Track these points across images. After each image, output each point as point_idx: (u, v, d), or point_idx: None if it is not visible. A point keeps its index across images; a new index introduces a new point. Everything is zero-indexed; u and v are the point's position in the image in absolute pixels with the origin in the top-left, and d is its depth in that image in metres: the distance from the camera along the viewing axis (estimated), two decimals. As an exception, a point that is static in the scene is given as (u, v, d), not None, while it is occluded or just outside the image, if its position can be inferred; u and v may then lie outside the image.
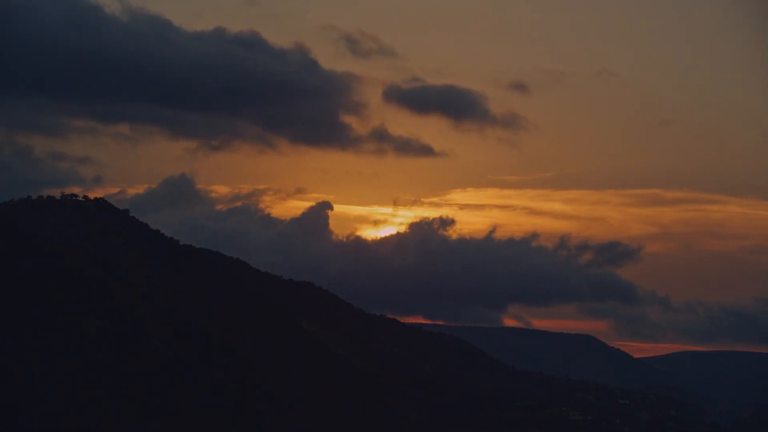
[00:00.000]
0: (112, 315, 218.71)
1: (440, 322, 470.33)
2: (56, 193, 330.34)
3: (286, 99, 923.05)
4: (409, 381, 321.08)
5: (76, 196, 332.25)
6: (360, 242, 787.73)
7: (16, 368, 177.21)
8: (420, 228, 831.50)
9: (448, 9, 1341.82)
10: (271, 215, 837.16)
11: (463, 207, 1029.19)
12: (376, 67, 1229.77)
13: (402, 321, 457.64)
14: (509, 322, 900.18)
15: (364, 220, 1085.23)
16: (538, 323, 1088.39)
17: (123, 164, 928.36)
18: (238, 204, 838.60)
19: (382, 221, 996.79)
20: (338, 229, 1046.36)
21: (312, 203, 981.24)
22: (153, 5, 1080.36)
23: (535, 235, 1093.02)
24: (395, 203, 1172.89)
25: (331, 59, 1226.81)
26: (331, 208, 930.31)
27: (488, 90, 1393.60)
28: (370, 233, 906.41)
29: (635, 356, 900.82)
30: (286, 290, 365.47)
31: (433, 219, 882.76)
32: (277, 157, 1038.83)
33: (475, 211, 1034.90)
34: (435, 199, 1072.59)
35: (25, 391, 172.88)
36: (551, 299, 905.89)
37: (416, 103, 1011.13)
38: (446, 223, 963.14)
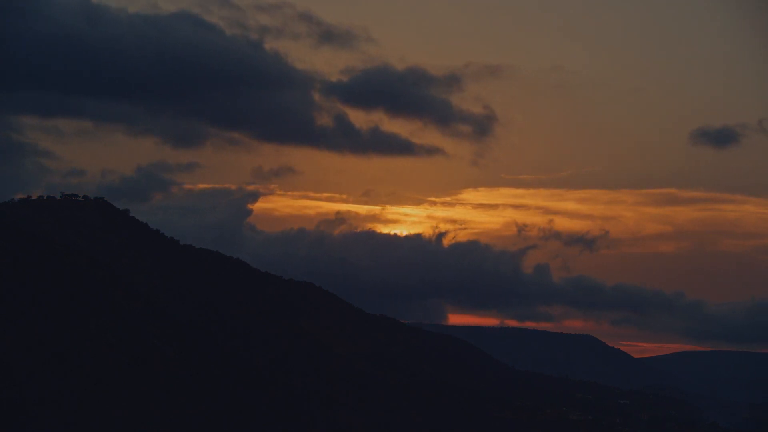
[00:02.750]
0: (112, 315, 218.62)
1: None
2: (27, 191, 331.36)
3: (248, 91, 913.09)
4: (409, 381, 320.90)
5: (76, 195, 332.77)
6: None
7: (15, 368, 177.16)
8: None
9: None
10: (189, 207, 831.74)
11: (475, 205, 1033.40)
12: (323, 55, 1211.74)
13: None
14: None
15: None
16: (455, 319, 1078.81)
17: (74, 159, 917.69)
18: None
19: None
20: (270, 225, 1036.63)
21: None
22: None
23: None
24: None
25: (277, 44, 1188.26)
26: (254, 201, 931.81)
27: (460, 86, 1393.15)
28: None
29: (635, 356, 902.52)
30: (286, 290, 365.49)
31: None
32: (243, 152, 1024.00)
33: (487, 210, 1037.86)
34: (444, 198, 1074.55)
35: (25, 391, 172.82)
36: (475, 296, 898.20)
37: (375, 96, 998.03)
38: (339, 221, 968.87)
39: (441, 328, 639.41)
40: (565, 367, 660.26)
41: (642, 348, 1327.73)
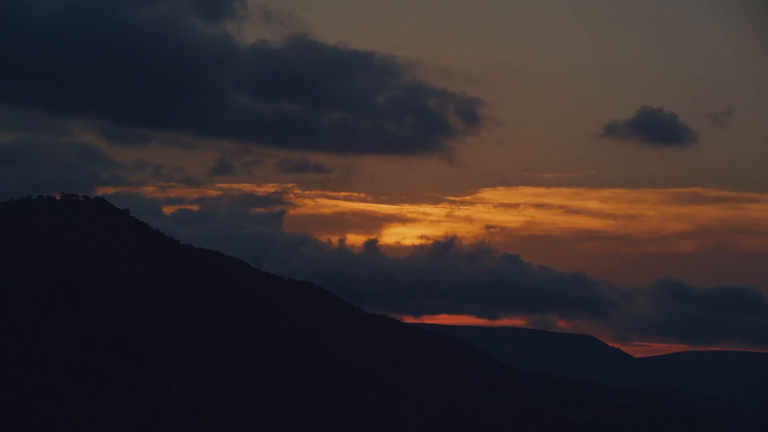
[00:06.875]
0: (111, 314, 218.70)
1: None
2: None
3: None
4: (409, 381, 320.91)
5: (76, 195, 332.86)
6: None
7: (15, 367, 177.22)
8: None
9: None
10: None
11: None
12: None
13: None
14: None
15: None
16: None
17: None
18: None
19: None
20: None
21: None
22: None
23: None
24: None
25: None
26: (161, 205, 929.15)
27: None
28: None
29: (635, 356, 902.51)
30: (286, 290, 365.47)
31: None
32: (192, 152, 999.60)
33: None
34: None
35: (25, 391, 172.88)
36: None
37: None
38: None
39: (441, 328, 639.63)
40: (565, 367, 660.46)
41: (642, 348, 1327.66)
